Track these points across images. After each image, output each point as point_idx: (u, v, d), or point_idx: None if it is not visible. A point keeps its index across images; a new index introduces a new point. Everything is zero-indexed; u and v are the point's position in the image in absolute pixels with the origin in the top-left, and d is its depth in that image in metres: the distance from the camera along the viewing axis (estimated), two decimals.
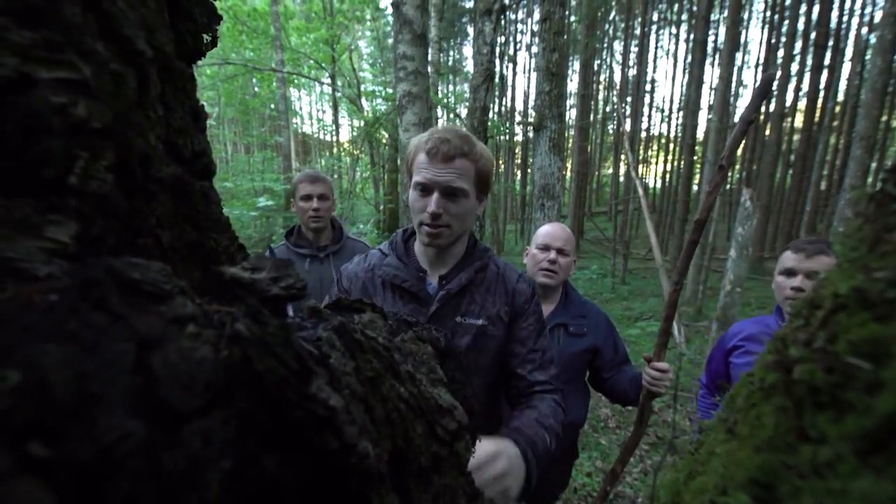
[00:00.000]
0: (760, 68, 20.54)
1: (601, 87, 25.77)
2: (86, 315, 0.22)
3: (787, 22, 16.64)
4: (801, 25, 17.07)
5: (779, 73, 16.46)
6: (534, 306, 1.29)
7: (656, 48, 28.62)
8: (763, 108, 19.38)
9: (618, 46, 23.74)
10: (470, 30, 24.52)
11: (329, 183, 2.33)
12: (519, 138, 24.86)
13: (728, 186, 18.76)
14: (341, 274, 1.33)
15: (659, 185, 28.74)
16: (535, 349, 1.25)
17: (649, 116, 31.56)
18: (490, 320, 1.21)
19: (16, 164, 0.26)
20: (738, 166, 23.51)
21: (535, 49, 27.74)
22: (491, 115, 5.69)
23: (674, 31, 27.91)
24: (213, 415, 0.24)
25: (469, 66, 28.66)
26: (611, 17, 21.56)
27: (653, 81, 30.33)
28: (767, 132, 17.17)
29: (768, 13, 19.71)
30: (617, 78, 23.93)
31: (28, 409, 0.18)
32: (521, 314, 1.26)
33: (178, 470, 0.22)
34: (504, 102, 25.66)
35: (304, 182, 2.24)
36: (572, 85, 21.34)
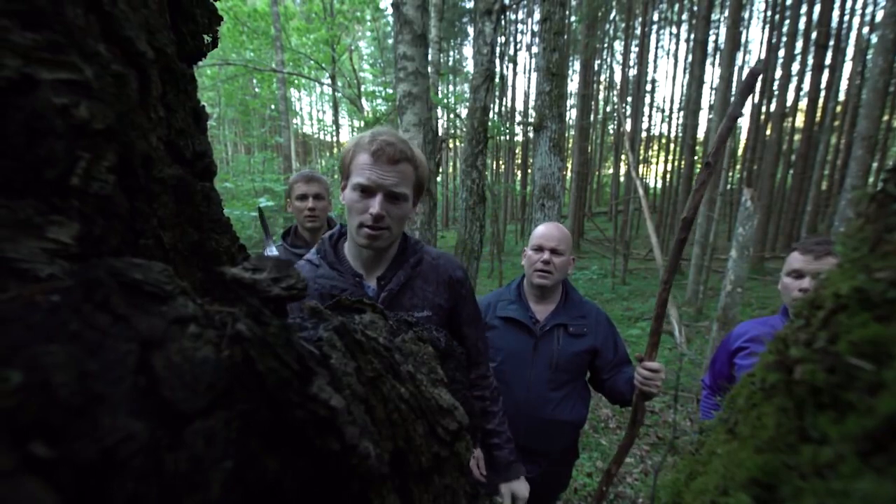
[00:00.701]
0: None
1: (601, 87, 25.79)
2: (88, 315, 0.22)
3: (787, 21, 16.63)
4: (801, 25, 17.06)
5: (779, 74, 16.46)
6: (468, 289, 1.36)
7: (657, 48, 28.62)
8: (764, 108, 19.39)
9: (618, 46, 23.74)
10: (470, 30, 24.53)
11: (325, 183, 2.31)
12: (519, 138, 24.90)
13: (729, 186, 18.75)
14: None
15: (659, 185, 28.76)
16: (479, 337, 1.41)
17: (650, 116, 31.57)
18: (433, 310, 1.25)
19: (18, 165, 0.26)
20: (738, 166, 23.51)
21: (535, 49, 27.77)
22: (491, 115, 5.69)
23: (674, 30, 27.91)
24: (216, 415, 0.24)
25: (469, 66, 28.70)
26: (611, 17, 21.55)
27: (653, 81, 30.35)
28: (768, 132, 17.16)
29: (769, 13, 19.71)
30: (617, 78, 23.92)
31: (31, 409, 0.18)
32: (461, 300, 1.32)
33: (180, 470, 0.22)
34: (504, 103, 25.66)
35: (300, 182, 2.22)
36: (573, 85, 21.34)
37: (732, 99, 1.16)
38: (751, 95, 1.16)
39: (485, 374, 1.44)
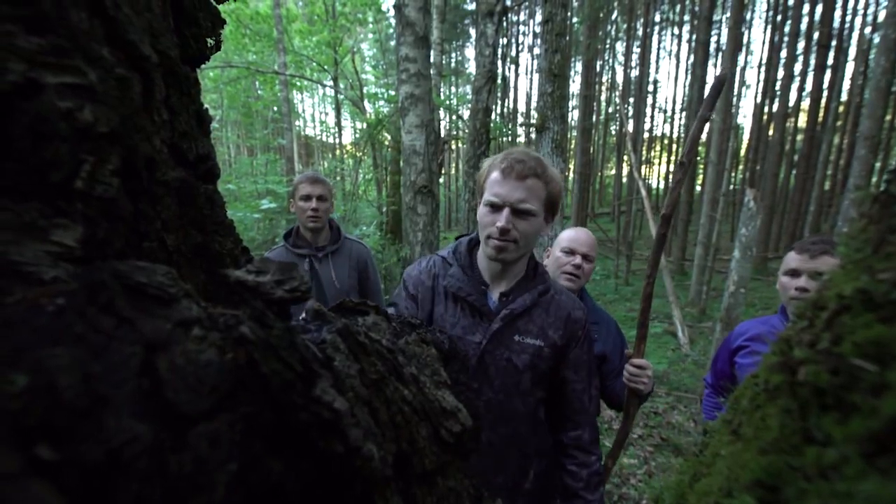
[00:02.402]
0: (763, 68, 20.50)
1: (603, 88, 25.79)
2: (93, 318, 0.22)
3: (789, 22, 16.60)
4: (804, 25, 17.03)
5: (781, 74, 16.41)
6: (586, 333, 1.31)
7: (658, 49, 28.62)
8: (766, 109, 19.34)
9: (620, 47, 23.75)
10: (472, 32, 24.55)
11: (329, 186, 2.33)
12: (521, 139, 24.88)
13: (732, 187, 18.72)
14: (406, 280, 1.33)
15: (662, 185, 28.74)
16: (585, 389, 1.31)
17: (652, 117, 31.51)
18: (547, 342, 1.23)
19: (23, 168, 0.26)
20: (741, 166, 23.46)
21: (537, 50, 27.79)
22: (493, 116, 5.70)
23: (676, 31, 27.89)
24: (220, 418, 0.24)
25: (471, 67, 28.71)
26: (613, 18, 21.55)
27: (655, 82, 30.31)
28: (771, 132, 17.12)
29: (771, 13, 19.67)
30: (619, 79, 23.94)
31: (36, 411, 0.18)
32: (575, 340, 1.28)
33: (184, 472, 0.22)
34: (506, 104, 25.72)
35: (304, 183, 2.25)
36: (574, 86, 21.41)
37: (703, 102, 1.18)
38: (718, 99, 1.20)
39: (584, 444, 1.30)
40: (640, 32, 22.10)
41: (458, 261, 1.28)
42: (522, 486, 1.27)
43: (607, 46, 23.51)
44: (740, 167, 23.51)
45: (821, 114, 16.20)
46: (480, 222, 1.20)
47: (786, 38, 17.09)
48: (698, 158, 16.07)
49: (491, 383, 1.20)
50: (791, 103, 17.41)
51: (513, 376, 1.21)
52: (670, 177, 24.47)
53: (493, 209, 1.16)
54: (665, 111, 32.12)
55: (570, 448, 1.31)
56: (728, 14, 12.50)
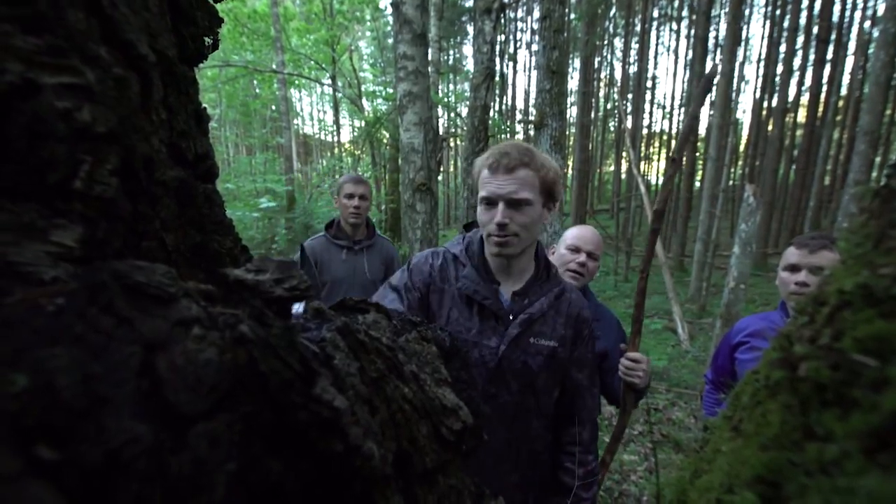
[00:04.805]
0: (762, 63, 20.46)
1: (602, 84, 25.77)
2: (92, 318, 0.22)
3: (788, 16, 16.56)
4: (802, 20, 16.99)
5: (780, 69, 16.38)
6: (591, 333, 1.33)
7: (657, 44, 28.56)
8: (766, 104, 19.33)
9: (618, 43, 23.72)
10: (470, 29, 24.47)
11: (369, 186, 2.64)
12: (520, 136, 24.88)
13: (731, 183, 18.72)
14: (411, 269, 1.26)
15: (661, 181, 28.69)
16: (593, 386, 1.35)
17: (650, 113, 31.46)
18: (559, 341, 1.23)
19: (22, 169, 0.26)
20: (740, 162, 23.46)
21: (535, 47, 27.72)
22: (492, 113, 5.69)
23: (674, 27, 27.80)
24: (219, 418, 0.24)
25: (469, 64, 28.65)
26: (611, 14, 21.50)
27: (654, 78, 30.25)
28: (770, 128, 17.10)
29: (769, 8, 19.61)
30: (618, 75, 23.93)
31: (36, 412, 0.18)
32: (581, 339, 1.29)
33: (184, 472, 0.22)
34: (505, 101, 25.70)
35: (349, 183, 2.58)
36: (573, 82, 21.30)
37: (693, 99, 1.20)
38: (708, 96, 1.21)
39: (584, 441, 1.31)
40: (638, 28, 22.06)
41: (472, 260, 1.24)
42: (533, 482, 1.29)
43: (606, 43, 23.47)
44: (739, 163, 23.51)
45: (820, 109, 16.19)
46: (480, 221, 1.19)
47: (785, 33, 17.05)
48: (697, 154, 16.05)
49: (508, 386, 1.20)
50: (790, 98, 17.39)
51: (528, 377, 1.20)
52: None
53: (489, 205, 1.15)
54: (664, 107, 32.05)
55: (568, 445, 1.32)
56: (727, 9, 12.47)
